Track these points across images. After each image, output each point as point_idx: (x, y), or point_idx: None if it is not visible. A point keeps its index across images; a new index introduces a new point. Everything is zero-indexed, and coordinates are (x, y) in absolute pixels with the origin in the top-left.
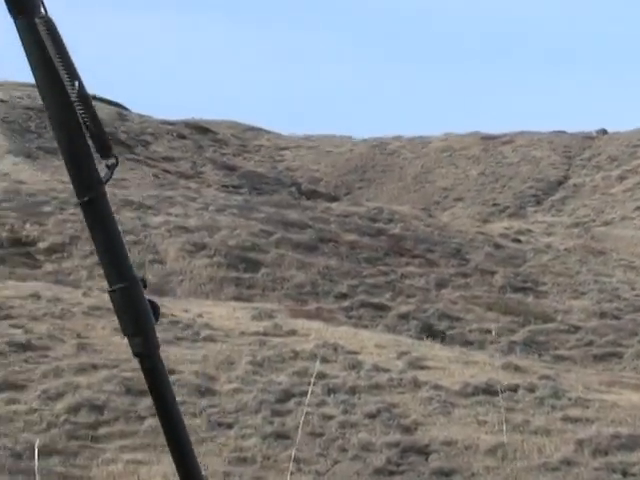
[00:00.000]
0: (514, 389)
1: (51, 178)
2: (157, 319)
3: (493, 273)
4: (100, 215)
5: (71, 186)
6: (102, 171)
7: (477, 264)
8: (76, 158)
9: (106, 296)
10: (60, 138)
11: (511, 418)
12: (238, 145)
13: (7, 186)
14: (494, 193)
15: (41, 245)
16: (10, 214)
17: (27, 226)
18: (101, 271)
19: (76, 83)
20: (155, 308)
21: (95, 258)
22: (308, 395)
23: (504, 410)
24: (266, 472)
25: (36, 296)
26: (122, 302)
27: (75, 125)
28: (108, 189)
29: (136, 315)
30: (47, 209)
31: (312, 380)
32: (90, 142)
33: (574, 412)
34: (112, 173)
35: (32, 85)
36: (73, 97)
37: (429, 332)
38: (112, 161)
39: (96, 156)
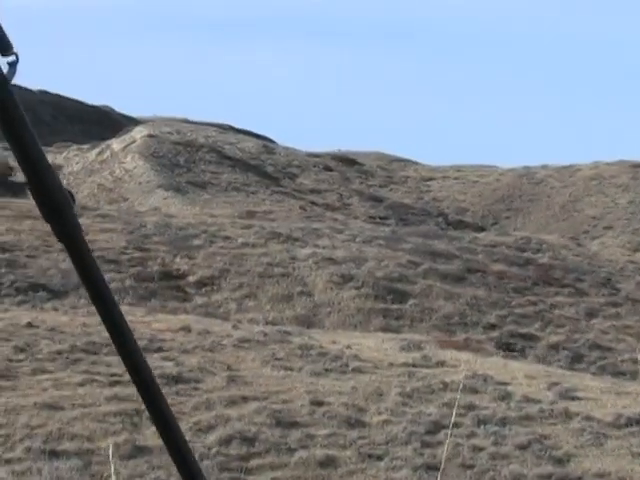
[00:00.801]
0: None
1: (200, 212)
2: (74, 202)
3: None
4: (9, 115)
5: (218, 219)
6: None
7: (628, 293)
8: None
9: (256, 328)
10: None
11: None
12: (384, 176)
13: (157, 220)
14: None
15: (191, 278)
16: (161, 248)
17: (177, 259)
18: (251, 303)
19: None
20: (71, 194)
21: (244, 291)
22: (450, 424)
23: None
24: None
25: (187, 329)
26: (40, 189)
27: None
28: (256, 221)
29: (54, 200)
30: (197, 242)
31: (454, 410)
32: None
33: None
34: (14, 71)
35: (181, 120)
36: None
37: (504, 347)
38: (12, 59)
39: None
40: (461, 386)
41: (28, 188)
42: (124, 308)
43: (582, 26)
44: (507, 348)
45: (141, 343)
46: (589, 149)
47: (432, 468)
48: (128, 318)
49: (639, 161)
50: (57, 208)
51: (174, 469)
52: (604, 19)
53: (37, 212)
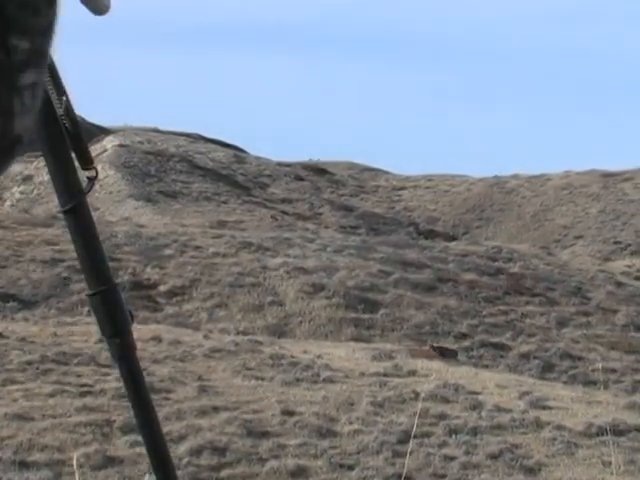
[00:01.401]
0: (639, 429)
1: (171, 221)
2: (132, 322)
3: (615, 312)
4: (81, 222)
5: (189, 229)
6: (84, 182)
7: (598, 302)
8: (59, 169)
9: (227, 338)
10: (45, 150)
11: (637, 458)
12: (355, 186)
13: (128, 230)
14: (615, 231)
15: (162, 288)
16: (131, 257)
17: (148, 269)
18: (222, 313)
19: (63, 98)
20: (131, 313)
21: (215, 300)
22: (412, 435)
23: (629, 450)
24: None
25: (157, 339)
26: (101, 305)
27: (60, 138)
28: (227, 231)
29: (115, 318)
30: (167, 252)
31: (416, 419)
32: (73, 155)
33: None
34: (93, 185)
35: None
36: (60, 112)
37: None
38: (92, 173)
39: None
40: (422, 397)
41: (91, 298)
42: (93, 319)
43: (552, 35)
44: (441, 352)
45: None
46: (560, 158)
47: (404, 478)
48: (98, 329)
49: (610, 170)
50: (119, 327)
51: (145, 479)
52: (573, 29)
53: (7, 222)
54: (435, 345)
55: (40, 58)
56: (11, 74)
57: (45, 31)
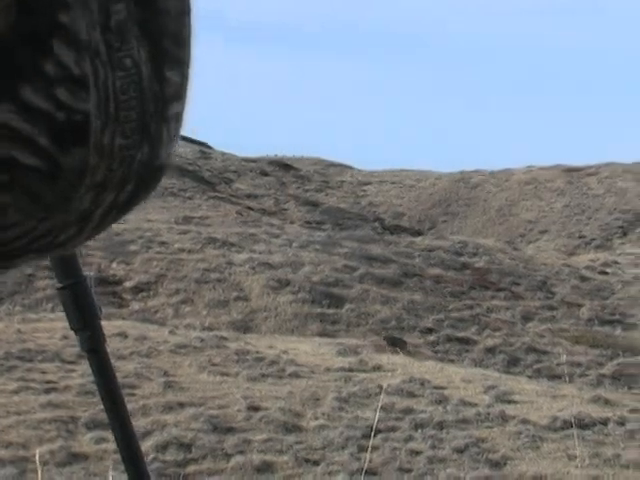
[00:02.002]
0: (604, 422)
1: (137, 217)
2: (101, 315)
3: (580, 306)
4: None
5: (154, 224)
6: None
7: (563, 297)
8: None
9: (193, 334)
10: None
11: (601, 452)
12: (321, 181)
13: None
14: (580, 225)
15: (127, 284)
16: (97, 253)
17: (114, 265)
18: (188, 309)
19: None
20: (98, 306)
21: (180, 296)
22: (373, 430)
23: (594, 444)
24: None
25: (123, 335)
26: (71, 298)
27: None
28: (193, 227)
29: (84, 310)
30: (133, 248)
31: (377, 413)
32: None
33: None
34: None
35: None
36: None
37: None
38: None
39: None
40: (386, 391)
41: (60, 291)
42: (59, 314)
43: (517, 30)
44: (392, 343)
45: (74, 350)
46: (524, 153)
47: (369, 472)
48: (62, 325)
49: (574, 165)
50: (89, 320)
51: (110, 475)
52: (536, 24)
53: None
54: (386, 336)
55: (185, 88)
56: (164, 105)
57: (190, 62)
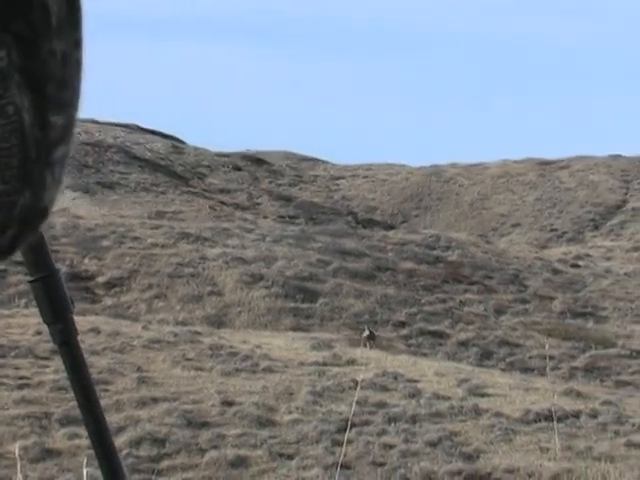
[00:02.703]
0: (576, 415)
1: (109, 212)
2: (73, 308)
3: (552, 299)
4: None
5: (127, 219)
6: None
7: (536, 290)
8: None
9: (166, 329)
10: None
11: (574, 444)
12: (294, 176)
13: (66, 221)
14: (552, 218)
15: (100, 279)
16: (69, 249)
17: (86, 261)
18: (161, 304)
19: None
20: (71, 300)
21: (154, 291)
22: (348, 425)
23: (566, 436)
24: None
25: (96, 330)
26: (43, 291)
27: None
28: (166, 222)
29: (57, 303)
30: (106, 243)
31: (353, 407)
32: None
33: (638, 437)
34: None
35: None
36: None
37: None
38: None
39: None
40: (358, 388)
41: (32, 284)
42: (32, 310)
43: (489, 24)
44: (370, 337)
45: (47, 346)
46: (497, 147)
47: (343, 466)
48: (35, 321)
49: (546, 159)
50: (61, 313)
51: (84, 471)
52: (513, 17)
53: None
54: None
55: (71, 130)
56: (47, 150)
57: (77, 102)
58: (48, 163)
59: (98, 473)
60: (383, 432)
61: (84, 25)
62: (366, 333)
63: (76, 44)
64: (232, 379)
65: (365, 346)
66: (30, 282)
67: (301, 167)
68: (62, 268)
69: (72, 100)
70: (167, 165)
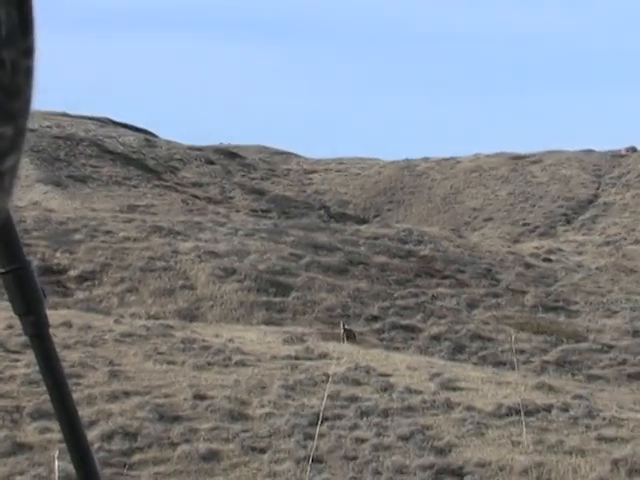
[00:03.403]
0: (548, 409)
1: (81, 206)
2: (46, 300)
3: (524, 293)
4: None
5: (99, 213)
6: None
7: (508, 284)
8: None
9: (138, 323)
10: None
11: (545, 438)
12: (267, 169)
13: (37, 215)
14: (524, 213)
15: (72, 273)
16: (40, 243)
17: (58, 254)
18: (133, 297)
19: None
20: (43, 292)
21: (126, 285)
22: (320, 419)
23: (538, 430)
24: None
25: (68, 324)
26: (14, 283)
27: None
28: (138, 215)
29: (28, 295)
30: (77, 237)
31: (324, 401)
32: None
33: (608, 431)
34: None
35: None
36: None
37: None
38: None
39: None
40: (330, 380)
41: (3, 277)
42: (3, 304)
43: (460, 18)
44: (348, 336)
45: (19, 340)
46: (469, 141)
47: (315, 460)
48: (7, 314)
49: (518, 153)
50: (32, 305)
51: (54, 465)
52: (483, 12)
53: None
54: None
55: (21, 139)
56: None
57: (27, 111)
58: None
59: (69, 467)
60: (355, 426)
61: (36, 32)
62: (343, 330)
63: (27, 52)
64: (204, 373)
65: (343, 341)
66: (1, 274)
67: (274, 161)
68: (34, 261)
69: (22, 110)
70: (139, 159)
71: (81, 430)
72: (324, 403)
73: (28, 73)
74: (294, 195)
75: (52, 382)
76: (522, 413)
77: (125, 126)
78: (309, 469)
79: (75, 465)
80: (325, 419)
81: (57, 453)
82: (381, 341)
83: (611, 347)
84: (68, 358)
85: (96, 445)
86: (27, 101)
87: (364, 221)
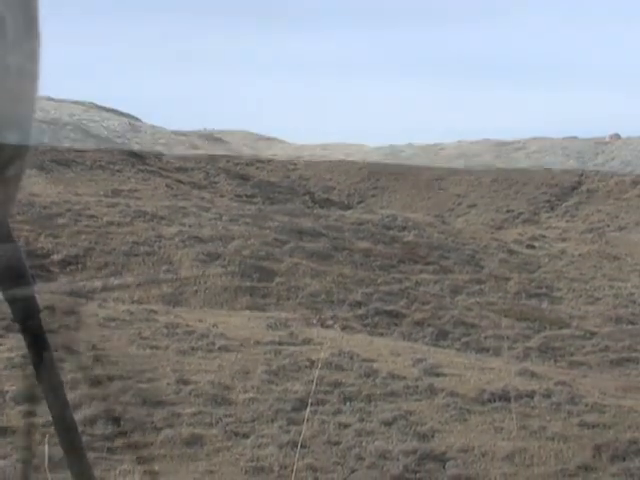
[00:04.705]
0: (530, 395)
1: (64, 190)
2: (34, 284)
3: (507, 279)
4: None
5: (83, 197)
6: None
7: (491, 270)
8: None
9: (122, 307)
10: None
11: (528, 424)
12: (251, 155)
13: (21, 198)
14: (507, 199)
15: (55, 257)
16: (24, 227)
17: (41, 238)
18: (117, 282)
19: None
20: (32, 276)
21: (109, 270)
22: (308, 405)
23: (521, 416)
24: None
25: (51, 308)
26: (3, 267)
27: None
28: (122, 200)
29: (18, 279)
30: (61, 221)
31: (313, 386)
32: None
33: (591, 418)
34: None
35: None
36: None
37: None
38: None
39: None
40: (318, 367)
41: (3, 291)
42: None
43: (444, 2)
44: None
45: (3, 323)
46: (454, 128)
47: (298, 445)
48: None
49: (502, 140)
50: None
51: (38, 450)
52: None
53: None
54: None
55: (25, 146)
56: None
57: (30, 117)
58: (1, 181)
59: (52, 451)
60: (338, 411)
61: (40, 34)
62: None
63: (32, 55)
64: (188, 358)
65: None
66: None
67: (258, 146)
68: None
69: (26, 116)
70: (123, 143)
71: (70, 414)
72: (314, 388)
73: (33, 78)
74: (278, 180)
75: (41, 365)
76: (509, 399)
77: (109, 110)
78: (297, 454)
79: (63, 447)
80: (310, 404)
81: (40, 437)
82: (365, 327)
83: (594, 334)
84: (51, 342)
85: (79, 430)
86: (31, 107)
87: (348, 207)
